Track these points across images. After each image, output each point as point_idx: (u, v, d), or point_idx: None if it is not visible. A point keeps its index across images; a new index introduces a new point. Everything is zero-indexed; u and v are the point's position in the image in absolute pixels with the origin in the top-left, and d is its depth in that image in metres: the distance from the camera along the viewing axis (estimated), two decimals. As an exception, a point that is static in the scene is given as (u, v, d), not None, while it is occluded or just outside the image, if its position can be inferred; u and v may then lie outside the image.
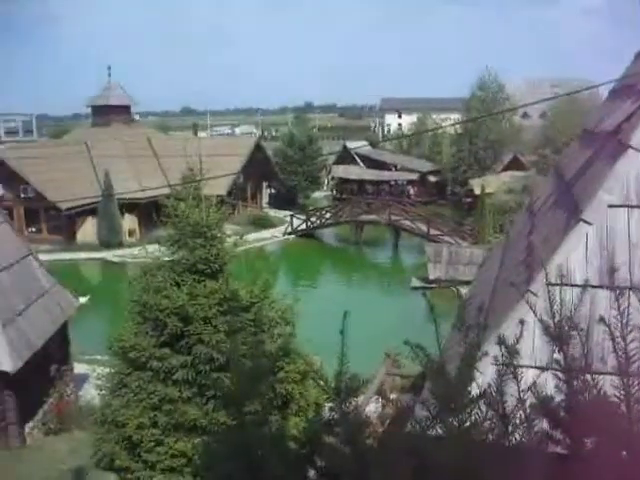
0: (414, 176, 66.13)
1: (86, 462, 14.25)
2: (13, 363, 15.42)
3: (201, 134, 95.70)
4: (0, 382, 15.79)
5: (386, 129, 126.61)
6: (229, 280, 12.44)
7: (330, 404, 3.34)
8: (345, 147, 71.08)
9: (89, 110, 56.90)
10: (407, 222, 45.41)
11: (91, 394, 17.37)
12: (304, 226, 49.46)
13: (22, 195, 44.48)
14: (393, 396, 16.50)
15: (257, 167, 53.65)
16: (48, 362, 18.19)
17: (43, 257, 23.41)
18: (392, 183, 67.48)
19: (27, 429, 16.99)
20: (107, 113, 54.23)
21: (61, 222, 44.66)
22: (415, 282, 36.16)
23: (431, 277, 35.34)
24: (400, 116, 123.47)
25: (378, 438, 3.63)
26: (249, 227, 46.65)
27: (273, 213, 57.12)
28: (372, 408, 15.98)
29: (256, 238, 45.80)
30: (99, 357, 21.06)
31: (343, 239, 50.86)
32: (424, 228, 43.82)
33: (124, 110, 55.50)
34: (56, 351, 18.97)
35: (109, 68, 55.45)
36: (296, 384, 12.29)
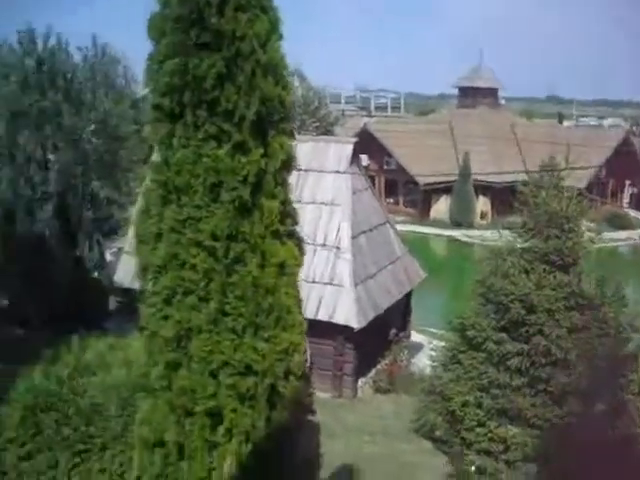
0: None
1: (406, 426, 14.88)
2: (358, 321, 16.42)
3: (566, 124, 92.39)
4: (344, 336, 16.93)
5: None
6: (581, 275, 11.98)
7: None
8: None
9: (455, 91, 57.75)
10: None
11: (423, 363, 17.94)
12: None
13: (384, 166, 47.00)
14: None
15: (622, 163, 50.45)
16: (388, 326, 19.07)
17: (397, 227, 24.52)
18: None
19: (360, 383, 18.03)
20: (473, 95, 54.60)
21: (417, 196, 46.44)
22: None
23: None
24: None
25: None
26: (604, 225, 44.18)
27: (633, 214, 53.42)
28: None
29: (611, 237, 43.25)
30: (434, 330, 21.64)
31: None
32: None
33: (491, 93, 55.45)
34: (397, 317, 19.82)
35: (481, 51, 55.93)
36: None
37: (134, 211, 17.99)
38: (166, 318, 5.36)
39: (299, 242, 5.66)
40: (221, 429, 5.45)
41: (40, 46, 19.44)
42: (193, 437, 5.49)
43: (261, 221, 5.28)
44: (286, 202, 5.58)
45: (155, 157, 5.42)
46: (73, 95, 20.18)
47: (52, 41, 19.70)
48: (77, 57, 21.24)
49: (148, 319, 5.50)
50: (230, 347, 5.23)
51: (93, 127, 24.91)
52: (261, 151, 5.27)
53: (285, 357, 5.41)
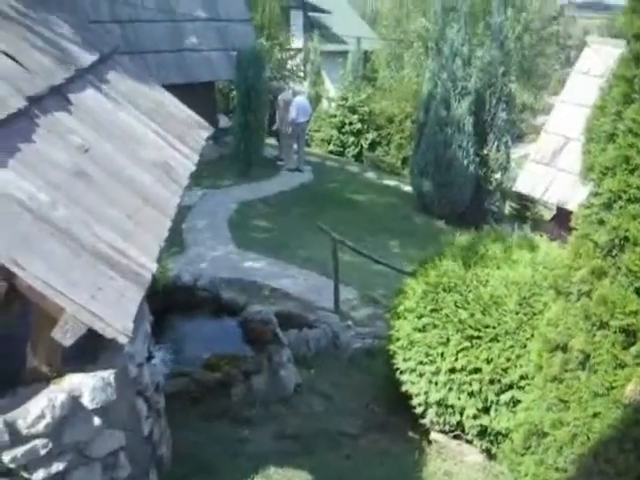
0: None
1: None
2: None
3: None
4: None
5: None
6: None
7: None
8: None
9: None
10: None
11: None
12: None
13: None
14: None
15: None
16: None
17: None
18: None
19: None
20: None
21: None
22: None
23: None
24: None
25: None
26: None
27: None
28: None
29: None
30: None
31: None
32: None
33: None
34: None
35: None
36: None
37: (546, 121, 17.52)
38: (602, 223, 5.07)
39: None
40: (633, 350, 5.12)
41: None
42: (601, 350, 5.22)
43: None
44: None
45: (624, 51, 5.00)
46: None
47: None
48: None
49: (581, 220, 5.27)
50: (665, 267, 4.81)
51: (519, 29, 24.47)
52: None
53: None
